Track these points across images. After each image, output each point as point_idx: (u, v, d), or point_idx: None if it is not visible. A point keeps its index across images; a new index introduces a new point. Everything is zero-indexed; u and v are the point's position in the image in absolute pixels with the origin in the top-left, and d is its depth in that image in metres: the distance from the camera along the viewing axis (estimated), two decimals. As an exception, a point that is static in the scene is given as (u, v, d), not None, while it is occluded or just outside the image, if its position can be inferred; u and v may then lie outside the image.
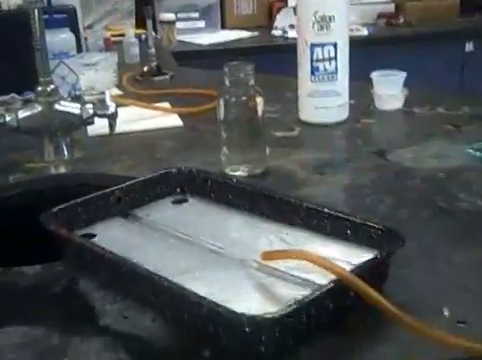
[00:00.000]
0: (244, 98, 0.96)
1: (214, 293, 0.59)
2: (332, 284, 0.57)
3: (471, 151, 1.03)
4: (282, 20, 2.50)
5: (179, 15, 2.53)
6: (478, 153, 1.02)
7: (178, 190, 0.85)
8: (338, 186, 0.94)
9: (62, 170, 1.08)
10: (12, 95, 1.16)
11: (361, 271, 0.59)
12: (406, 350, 0.57)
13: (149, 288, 0.63)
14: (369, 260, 0.61)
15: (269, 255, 0.64)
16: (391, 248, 0.63)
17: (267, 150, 1.05)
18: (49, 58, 1.24)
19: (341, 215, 0.71)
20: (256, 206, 0.79)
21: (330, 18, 1.17)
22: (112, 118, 1.09)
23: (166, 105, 1.40)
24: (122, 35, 1.98)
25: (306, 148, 1.12)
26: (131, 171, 1.01)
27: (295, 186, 0.95)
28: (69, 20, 1.49)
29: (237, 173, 0.99)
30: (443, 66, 2.34)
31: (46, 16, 1.39)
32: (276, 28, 2.51)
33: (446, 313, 0.61)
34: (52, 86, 1.07)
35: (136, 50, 1.87)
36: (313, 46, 1.19)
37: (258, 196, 0.79)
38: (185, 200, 0.84)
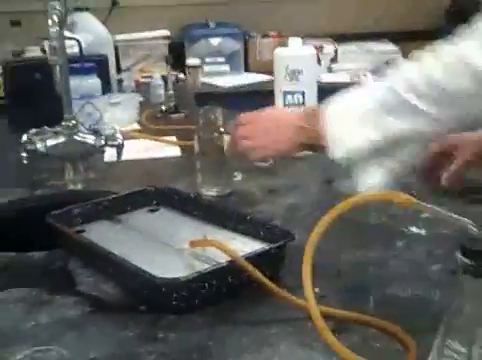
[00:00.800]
0: (213, 135, 1.24)
1: (156, 271, 0.84)
2: (226, 263, 0.83)
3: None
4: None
5: (207, 60, 2.85)
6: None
7: (154, 202, 1.13)
8: (283, 205, 1.20)
9: (79, 187, 1.37)
10: (44, 127, 1.45)
11: (251, 256, 0.85)
12: (277, 311, 0.83)
13: (111, 265, 0.90)
14: (259, 250, 0.87)
15: (193, 243, 0.91)
16: (280, 243, 0.89)
17: (240, 176, 1.32)
18: (77, 99, 1.55)
19: (257, 221, 0.97)
20: (206, 215, 1.06)
21: (299, 71, 1.44)
22: (119, 148, 1.39)
23: (173, 139, 1.69)
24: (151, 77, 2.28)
25: (273, 176, 1.38)
26: (129, 189, 1.29)
27: (250, 204, 1.21)
28: (99, 67, 1.81)
29: (209, 193, 1.26)
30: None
31: (77, 64, 1.71)
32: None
33: (316, 290, 0.86)
34: (74, 121, 1.37)
35: (161, 91, 2.16)
36: (285, 93, 1.46)
37: (208, 208, 1.07)
38: (158, 210, 1.12)
